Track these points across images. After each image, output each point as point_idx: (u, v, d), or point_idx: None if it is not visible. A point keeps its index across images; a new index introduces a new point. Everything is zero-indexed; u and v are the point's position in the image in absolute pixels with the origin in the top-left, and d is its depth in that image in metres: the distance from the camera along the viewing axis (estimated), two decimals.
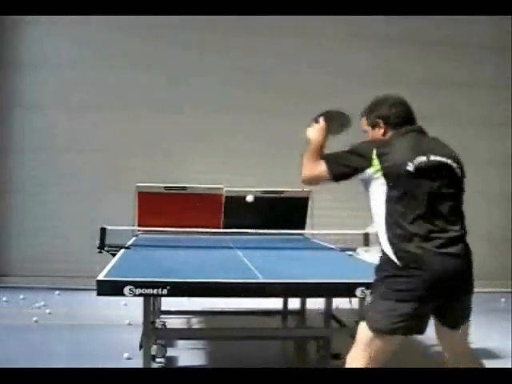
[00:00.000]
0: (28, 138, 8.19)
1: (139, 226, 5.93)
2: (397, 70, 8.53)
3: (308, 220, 6.26)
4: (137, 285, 3.23)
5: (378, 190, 2.80)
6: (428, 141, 2.92)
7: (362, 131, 3.08)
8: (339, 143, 2.94)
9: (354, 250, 4.95)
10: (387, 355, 2.76)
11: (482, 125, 8.68)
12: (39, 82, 8.19)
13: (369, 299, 2.88)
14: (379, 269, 2.81)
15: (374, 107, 3.03)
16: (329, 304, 4.64)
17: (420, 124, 3.01)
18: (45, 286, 7.67)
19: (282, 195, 6.20)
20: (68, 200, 8.11)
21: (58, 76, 8.21)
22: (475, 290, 2.85)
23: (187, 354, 4.98)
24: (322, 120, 3.09)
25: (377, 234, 2.86)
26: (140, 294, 3.26)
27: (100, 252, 5.04)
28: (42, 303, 6.79)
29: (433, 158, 2.80)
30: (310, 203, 6.23)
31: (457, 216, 2.81)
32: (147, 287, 3.25)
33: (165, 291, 3.26)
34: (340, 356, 4.61)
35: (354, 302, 4.08)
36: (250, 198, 4.50)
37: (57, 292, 7.55)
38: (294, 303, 5.86)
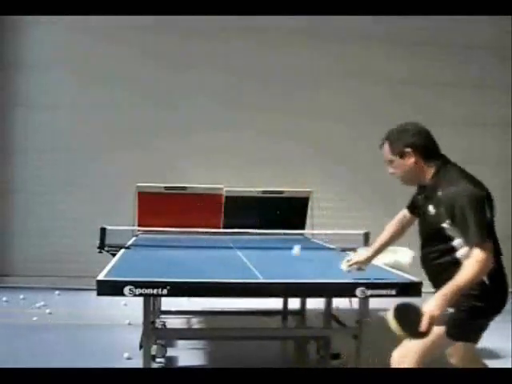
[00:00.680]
0: (31, 137, 8.19)
1: (139, 225, 5.93)
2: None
3: (308, 220, 6.26)
4: (137, 285, 3.23)
5: None
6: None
7: (384, 161, 3.02)
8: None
9: (354, 250, 4.94)
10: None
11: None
12: (41, 82, 8.18)
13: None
14: None
15: (401, 135, 2.94)
16: (329, 304, 4.64)
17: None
18: (45, 286, 7.68)
19: (282, 195, 6.21)
20: (72, 200, 8.11)
21: (59, 76, 8.20)
22: None
23: (187, 354, 4.99)
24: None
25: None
26: (140, 294, 3.26)
27: (100, 252, 5.05)
28: (42, 303, 6.80)
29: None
30: (310, 203, 6.23)
31: None
32: (147, 287, 3.25)
33: (165, 291, 3.26)
34: (340, 356, 4.63)
35: (354, 302, 4.06)
36: (296, 251, 4.47)
37: (57, 292, 7.56)
38: (293, 303, 5.87)
